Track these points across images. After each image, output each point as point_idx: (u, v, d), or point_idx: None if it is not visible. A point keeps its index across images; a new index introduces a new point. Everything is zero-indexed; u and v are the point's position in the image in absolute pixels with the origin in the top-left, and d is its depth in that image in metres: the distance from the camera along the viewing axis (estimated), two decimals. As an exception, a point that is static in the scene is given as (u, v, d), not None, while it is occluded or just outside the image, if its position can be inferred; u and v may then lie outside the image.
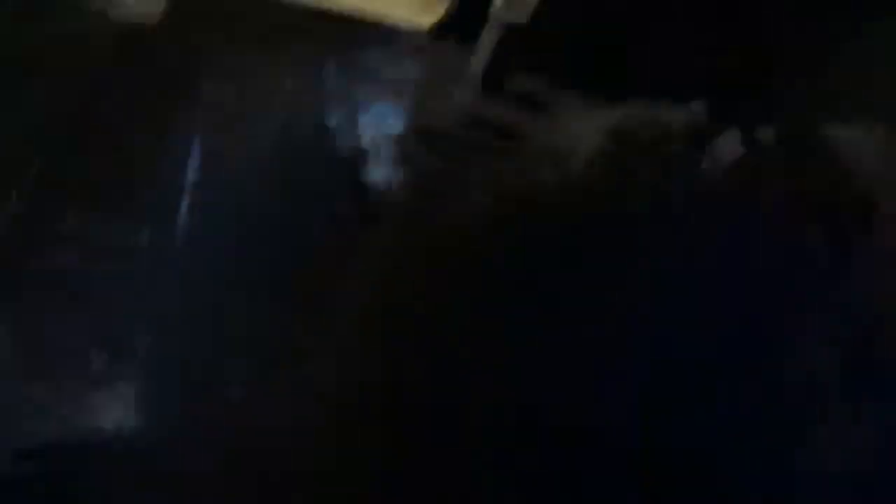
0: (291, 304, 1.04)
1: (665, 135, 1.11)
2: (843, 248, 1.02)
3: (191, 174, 1.10)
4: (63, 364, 0.95)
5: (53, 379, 0.93)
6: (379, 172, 1.14)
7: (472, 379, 1.00)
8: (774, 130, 1.05)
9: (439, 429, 0.97)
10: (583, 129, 1.13)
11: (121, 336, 0.97)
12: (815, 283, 1.01)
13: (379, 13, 1.20)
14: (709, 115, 1.10)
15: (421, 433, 0.97)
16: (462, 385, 1.00)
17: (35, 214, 1.04)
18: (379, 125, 1.17)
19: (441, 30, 1.20)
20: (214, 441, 0.95)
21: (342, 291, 1.06)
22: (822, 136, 1.05)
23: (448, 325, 1.04)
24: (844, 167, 1.05)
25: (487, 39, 1.17)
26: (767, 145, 1.05)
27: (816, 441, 0.94)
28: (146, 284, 1.01)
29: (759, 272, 1.02)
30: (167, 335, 0.98)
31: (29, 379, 0.93)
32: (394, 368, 1.01)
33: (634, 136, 1.11)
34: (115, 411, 0.92)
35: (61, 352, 0.95)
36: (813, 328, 0.98)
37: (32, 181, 1.06)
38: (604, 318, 1.01)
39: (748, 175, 1.05)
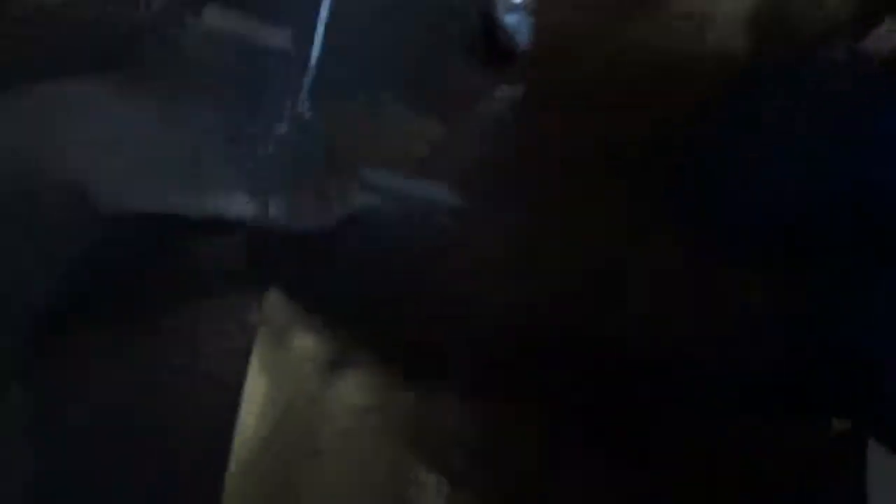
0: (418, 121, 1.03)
1: (821, 7, 1.07)
2: None
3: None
4: (195, 154, 0.93)
5: (185, 166, 0.92)
6: (512, 16, 1.12)
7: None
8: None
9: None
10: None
11: (254, 134, 0.95)
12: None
13: None
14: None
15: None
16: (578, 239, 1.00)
17: (174, 9, 1.00)
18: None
19: None
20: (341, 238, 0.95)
21: (467, 128, 1.06)
22: None
23: (573, 180, 1.03)
24: None
25: None
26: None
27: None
28: (285, 85, 0.99)
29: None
30: (301, 134, 0.97)
31: (161, 161, 0.92)
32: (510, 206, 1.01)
33: (785, 6, 1.08)
34: (241, 205, 0.92)
35: (195, 143, 0.93)
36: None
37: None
38: (731, 187, 1.00)
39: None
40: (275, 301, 0.89)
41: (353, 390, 0.91)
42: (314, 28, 1.04)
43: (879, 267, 1.01)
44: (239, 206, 0.89)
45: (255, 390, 0.86)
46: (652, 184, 1.07)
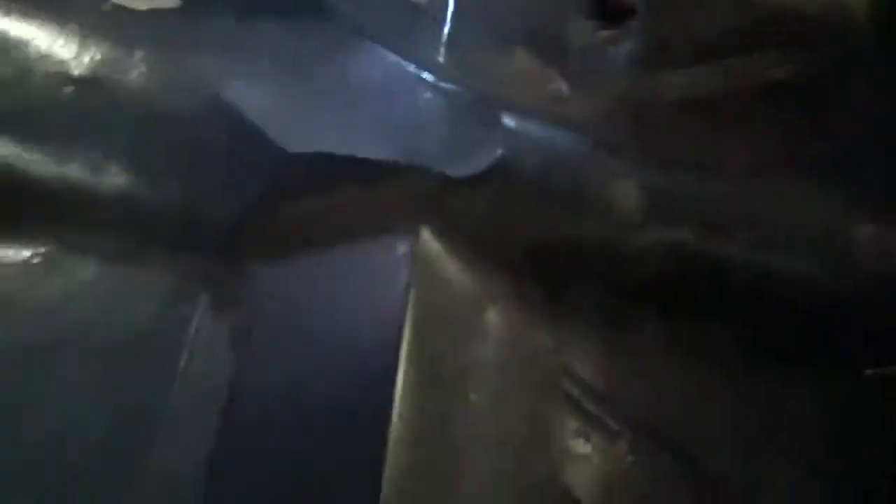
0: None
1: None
2: None
3: None
4: (351, 98, 0.97)
5: (344, 112, 0.96)
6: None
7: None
8: None
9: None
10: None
11: (404, 81, 0.99)
12: None
13: None
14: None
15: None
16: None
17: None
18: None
19: None
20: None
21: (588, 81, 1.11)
22: None
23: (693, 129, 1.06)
24: None
25: None
26: None
27: None
28: (426, 37, 1.05)
29: None
30: (445, 82, 1.01)
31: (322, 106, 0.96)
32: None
33: None
34: (394, 148, 0.94)
35: (352, 89, 0.98)
36: None
37: None
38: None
39: None
40: (426, 238, 0.93)
41: (499, 325, 0.95)
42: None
43: None
44: (391, 149, 0.94)
45: (412, 321, 0.90)
46: (769, 130, 1.10)
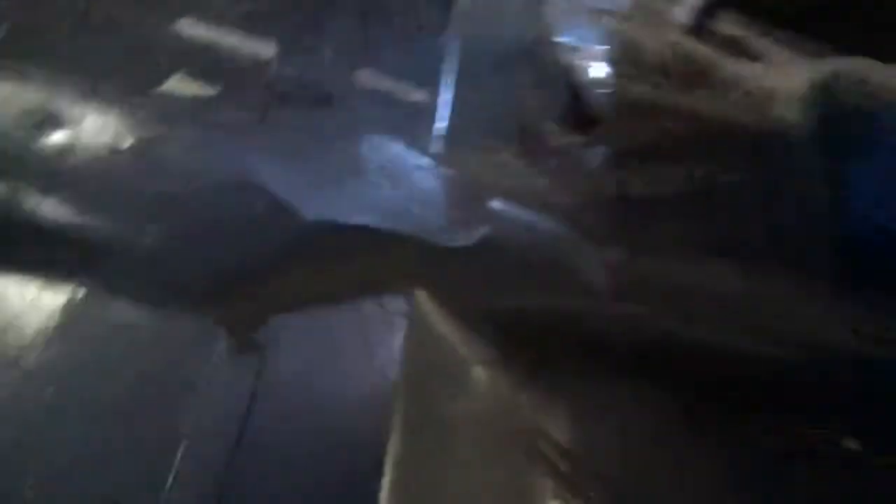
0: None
1: (868, 93, 1.24)
2: None
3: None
4: (364, 178, 1.11)
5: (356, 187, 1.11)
6: (595, 91, 1.31)
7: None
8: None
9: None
10: (786, 77, 1.27)
11: (405, 163, 1.14)
12: None
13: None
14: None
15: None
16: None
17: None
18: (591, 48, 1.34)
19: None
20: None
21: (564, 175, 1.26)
22: None
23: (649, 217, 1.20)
24: None
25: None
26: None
27: None
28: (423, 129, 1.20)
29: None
30: (439, 168, 1.17)
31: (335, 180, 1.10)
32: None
33: (839, 90, 1.25)
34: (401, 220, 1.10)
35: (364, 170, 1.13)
36: None
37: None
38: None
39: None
40: (421, 300, 1.04)
41: (485, 384, 1.05)
42: (441, 89, 1.26)
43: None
44: (394, 221, 1.07)
45: (405, 374, 1.00)
46: (716, 215, 1.24)
